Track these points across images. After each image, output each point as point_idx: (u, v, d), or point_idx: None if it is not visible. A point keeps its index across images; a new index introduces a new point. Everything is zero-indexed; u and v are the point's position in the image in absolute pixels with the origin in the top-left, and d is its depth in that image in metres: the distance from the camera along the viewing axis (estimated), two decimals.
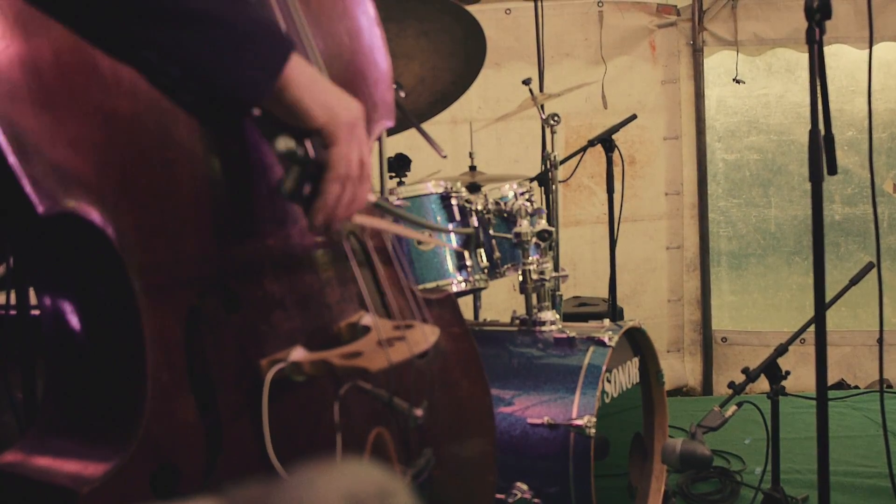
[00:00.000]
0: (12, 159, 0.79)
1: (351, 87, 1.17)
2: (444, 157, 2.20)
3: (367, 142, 1.01)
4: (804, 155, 1.72)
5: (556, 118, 2.86)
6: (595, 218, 4.24)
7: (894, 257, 4.25)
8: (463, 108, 3.83)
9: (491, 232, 2.38)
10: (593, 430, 1.94)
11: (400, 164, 2.78)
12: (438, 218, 2.27)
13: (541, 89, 3.51)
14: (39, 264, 0.95)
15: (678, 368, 4.27)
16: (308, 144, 0.95)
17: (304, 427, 1.04)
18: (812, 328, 1.78)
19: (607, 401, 2.09)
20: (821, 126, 1.71)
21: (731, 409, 2.12)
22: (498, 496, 1.93)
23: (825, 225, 1.72)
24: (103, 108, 0.87)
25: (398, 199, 2.24)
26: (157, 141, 0.93)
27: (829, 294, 1.86)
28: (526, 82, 2.95)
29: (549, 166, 2.94)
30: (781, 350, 2.24)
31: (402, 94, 2.38)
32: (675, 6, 4.19)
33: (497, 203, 2.40)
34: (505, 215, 2.39)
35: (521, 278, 2.33)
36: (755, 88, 4.26)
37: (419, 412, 1.14)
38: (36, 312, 1.27)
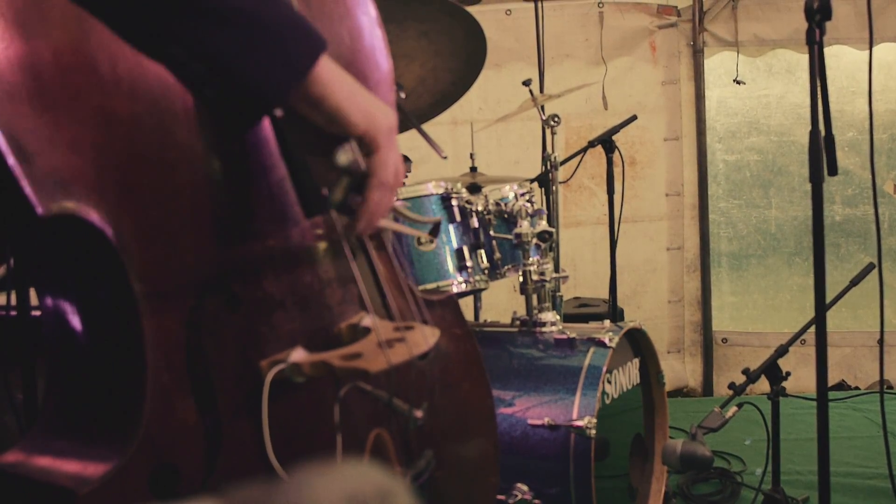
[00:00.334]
0: (12, 160, 0.79)
1: None
2: (445, 157, 2.20)
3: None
4: (805, 156, 1.71)
5: (556, 119, 2.86)
6: (595, 219, 4.24)
7: (895, 258, 4.25)
8: (463, 109, 3.83)
9: (491, 233, 2.38)
10: (594, 431, 1.94)
11: None
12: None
13: (541, 90, 3.51)
14: (40, 265, 0.95)
15: (679, 369, 4.26)
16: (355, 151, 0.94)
17: (304, 428, 1.04)
18: (812, 329, 1.78)
19: (608, 402, 2.09)
20: (821, 127, 1.71)
21: (732, 409, 2.12)
22: (498, 497, 1.92)
23: (826, 226, 1.72)
24: (103, 109, 0.87)
25: (398, 199, 2.23)
26: (156, 141, 0.92)
27: (830, 295, 1.86)
28: (526, 83, 2.95)
29: (549, 167, 2.94)
30: (782, 351, 2.24)
31: (403, 95, 2.38)
32: (676, 7, 4.19)
33: (497, 204, 2.39)
34: (505, 216, 2.39)
35: (521, 279, 2.33)
36: (755, 89, 4.26)
37: (419, 413, 1.14)
38: (36, 313, 1.28)
